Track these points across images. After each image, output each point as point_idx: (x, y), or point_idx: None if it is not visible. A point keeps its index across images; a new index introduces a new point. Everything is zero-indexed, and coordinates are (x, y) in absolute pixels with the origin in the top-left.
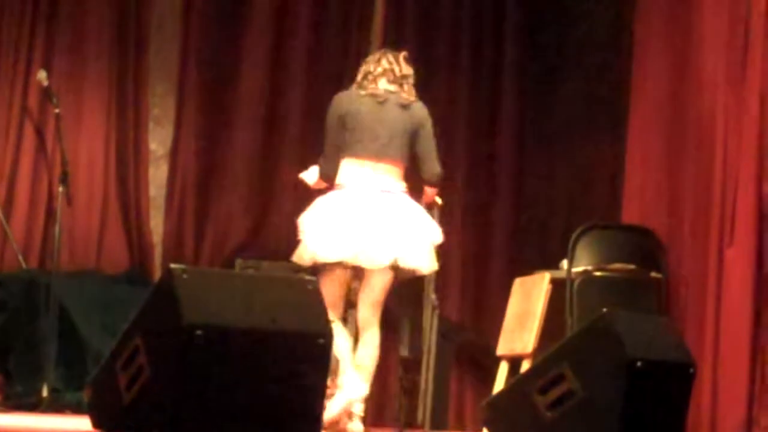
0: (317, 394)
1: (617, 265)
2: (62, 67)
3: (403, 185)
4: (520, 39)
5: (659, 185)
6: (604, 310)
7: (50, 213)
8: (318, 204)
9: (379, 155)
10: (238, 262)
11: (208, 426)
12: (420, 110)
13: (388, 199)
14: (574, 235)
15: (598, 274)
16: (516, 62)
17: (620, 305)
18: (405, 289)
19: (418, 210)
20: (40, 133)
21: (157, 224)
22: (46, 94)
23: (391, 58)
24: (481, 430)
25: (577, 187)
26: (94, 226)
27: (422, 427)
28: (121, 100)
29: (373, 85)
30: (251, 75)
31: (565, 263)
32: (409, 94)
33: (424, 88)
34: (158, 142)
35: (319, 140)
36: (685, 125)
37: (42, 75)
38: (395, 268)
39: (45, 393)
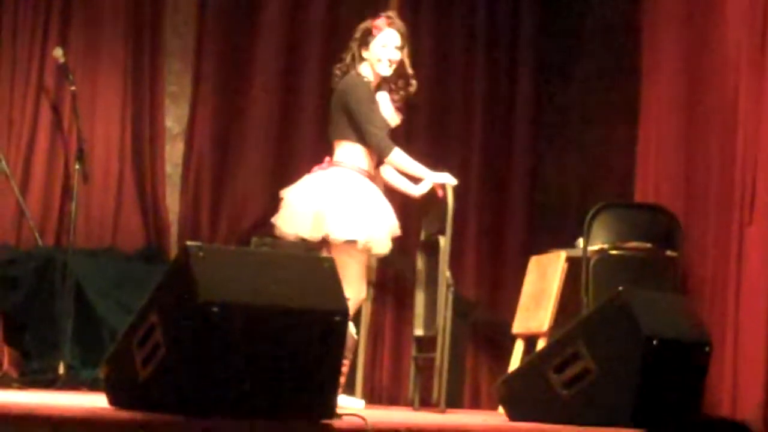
0: (333, 371)
1: (633, 244)
2: (78, 44)
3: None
4: (536, 24)
5: (677, 165)
6: (620, 288)
7: (66, 191)
8: (355, 184)
9: None
10: (254, 240)
11: (223, 403)
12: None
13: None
14: (590, 214)
15: (613, 252)
16: (532, 45)
17: (636, 284)
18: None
19: None
20: (56, 111)
21: (173, 202)
22: (62, 71)
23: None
24: (497, 408)
25: (591, 166)
26: (110, 203)
27: (437, 405)
28: (137, 77)
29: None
30: (267, 53)
31: (581, 241)
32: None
33: (440, 74)
34: (174, 119)
35: None
36: (705, 106)
37: (58, 52)
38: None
39: (61, 370)
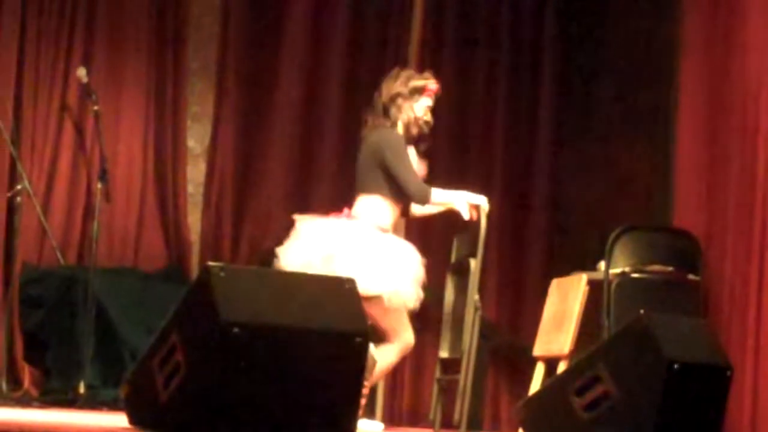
0: (354, 392)
1: (655, 267)
2: (101, 64)
3: None
4: (558, 43)
5: (700, 188)
6: (641, 311)
7: (89, 210)
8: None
9: None
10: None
11: (244, 424)
12: None
13: None
14: (611, 237)
15: (635, 275)
16: (554, 65)
17: (657, 307)
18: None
19: None
20: (79, 130)
21: (194, 222)
22: (85, 91)
23: None
24: (517, 430)
25: (613, 189)
26: (132, 223)
27: (458, 427)
28: (159, 97)
29: None
30: (289, 74)
31: (602, 264)
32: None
33: (462, 93)
34: (196, 139)
35: (356, 140)
36: (728, 127)
37: (81, 72)
38: None
39: (82, 389)
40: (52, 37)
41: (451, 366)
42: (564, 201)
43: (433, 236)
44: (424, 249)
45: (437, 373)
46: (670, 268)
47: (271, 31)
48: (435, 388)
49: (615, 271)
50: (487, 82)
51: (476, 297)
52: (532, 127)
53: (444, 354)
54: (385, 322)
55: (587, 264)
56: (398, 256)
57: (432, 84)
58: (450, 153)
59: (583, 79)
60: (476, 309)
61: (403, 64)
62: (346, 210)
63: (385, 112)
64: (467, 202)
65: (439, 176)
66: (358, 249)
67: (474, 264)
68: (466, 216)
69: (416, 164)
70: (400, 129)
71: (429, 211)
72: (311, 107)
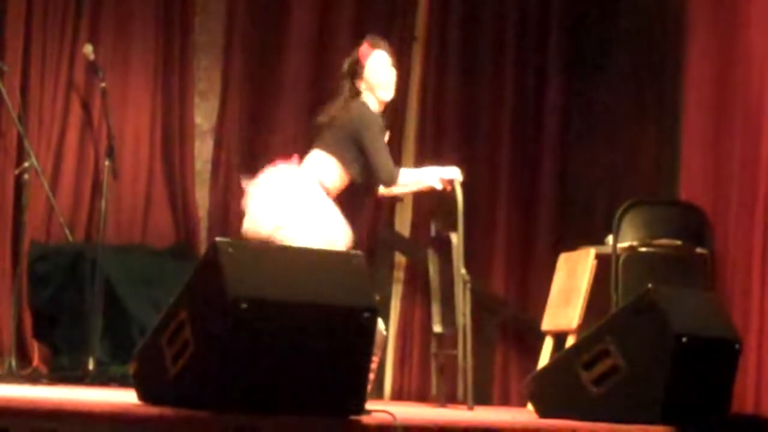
0: (362, 367)
1: (663, 241)
2: (108, 41)
3: None
4: (566, 20)
5: (706, 162)
6: (650, 285)
7: (96, 187)
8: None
9: None
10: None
11: (252, 399)
12: None
13: None
14: (619, 211)
15: (643, 249)
16: (562, 42)
17: (665, 281)
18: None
19: None
20: (86, 107)
21: (202, 198)
22: (92, 68)
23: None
24: (526, 405)
25: (620, 163)
26: (140, 200)
27: (464, 402)
28: (166, 74)
29: None
30: (297, 50)
31: (610, 239)
32: None
33: (470, 71)
34: (203, 116)
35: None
36: (733, 103)
37: (88, 49)
38: None
39: (91, 366)
40: (59, 14)
41: (450, 341)
42: (572, 175)
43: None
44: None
45: (433, 348)
46: (678, 242)
47: (278, 7)
48: (433, 364)
49: (623, 245)
50: (494, 53)
51: (463, 271)
52: (539, 103)
53: (438, 329)
54: None
55: (595, 238)
56: (329, 217)
57: (363, 48)
58: (458, 130)
59: (593, 52)
60: (465, 282)
61: (411, 38)
62: (296, 156)
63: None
64: (438, 177)
65: (446, 151)
66: (301, 203)
67: (456, 238)
68: (438, 187)
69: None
70: (376, 106)
71: (400, 191)
72: (318, 83)
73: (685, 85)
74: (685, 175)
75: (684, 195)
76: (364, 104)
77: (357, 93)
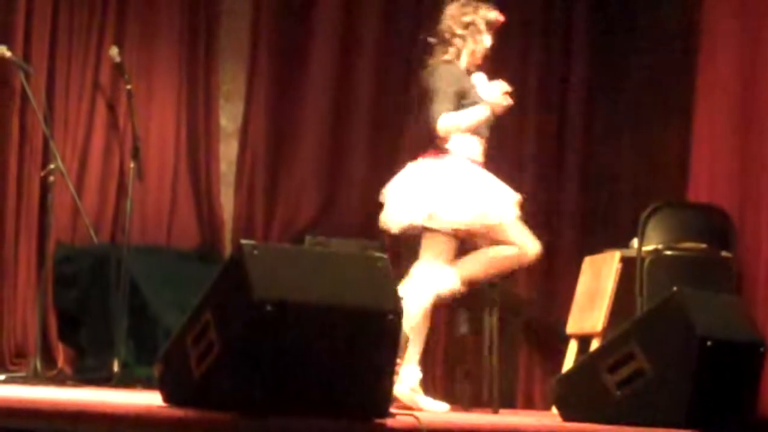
0: (387, 370)
1: (688, 244)
2: (134, 43)
3: None
4: (589, 22)
5: (731, 166)
6: (675, 288)
7: (122, 188)
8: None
9: None
10: (308, 239)
11: (277, 402)
12: None
13: None
14: (644, 214)
15: (668, 252)
16: (584, 43)
17: (690, 284)
18: None
19: None
20: (112, 109)
21: (227, 200)
22: (118, 70)
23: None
24: (551, 408)
25: (644, 167)
26: (165, 201)
27: (489, 406)
28: (192, 76)
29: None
30: (321, 51)
31: (635, 242)
32: None
33: (494, 71)
34: (228, 118)
35: (389, 117)
36: (759, 106)
37: (114, 51)
38: None
39: (116, 368)
40: (84, 17)
41: (471, 344)
42: (596, 177)
43: None
44: None
45: (457, 351)
46: (703, 245)
47: (303, 8)
48: (458, 367)
49: (648, 248)
50: (519, 60)
51: None
52: (563, 104)
53: (462, 330)
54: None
55: (620, 241)
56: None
57: (500, 15)
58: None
59: (616, 53)
60: (492, 286)
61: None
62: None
63: (449, 43)
64: (491, 107)
65: None
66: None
67: None
68: (499, 111)
69: (495, 89)
70: (463, 60)
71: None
72: (344, 85)
73: (696, 88)
74: (694, 177)
75: (691, 197)
76: (446, 68)
77: (457, 55)
